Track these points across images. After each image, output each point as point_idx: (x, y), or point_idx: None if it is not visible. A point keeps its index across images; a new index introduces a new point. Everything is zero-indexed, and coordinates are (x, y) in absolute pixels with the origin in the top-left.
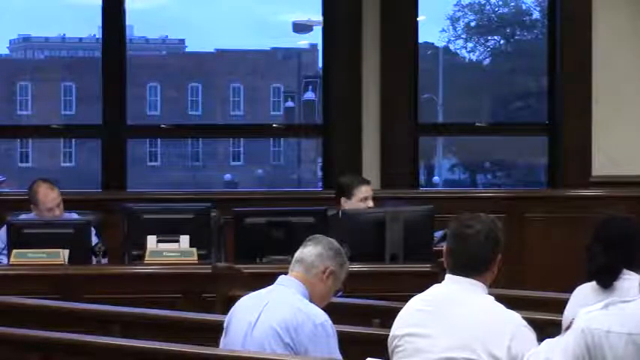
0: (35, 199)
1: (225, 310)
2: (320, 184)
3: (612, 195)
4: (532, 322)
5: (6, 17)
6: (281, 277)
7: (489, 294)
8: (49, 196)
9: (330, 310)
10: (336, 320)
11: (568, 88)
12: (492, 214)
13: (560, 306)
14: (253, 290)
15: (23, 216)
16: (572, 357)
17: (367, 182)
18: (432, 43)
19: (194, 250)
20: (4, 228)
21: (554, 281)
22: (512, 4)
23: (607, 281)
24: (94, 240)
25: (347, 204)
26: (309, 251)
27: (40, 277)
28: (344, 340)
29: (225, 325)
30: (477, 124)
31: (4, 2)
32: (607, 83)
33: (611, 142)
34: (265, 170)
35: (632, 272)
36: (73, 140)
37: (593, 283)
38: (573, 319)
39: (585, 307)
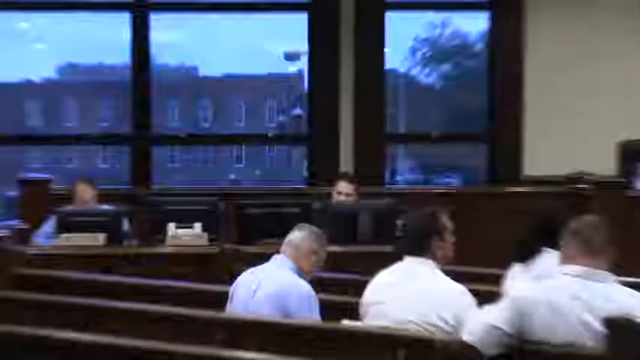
0: (75, 194)
1: (230, 282)
2: (305, 182)
3: (537, 191)
4: (476, 293)
5: (55, 47)
6: (275, 256)
7: (443, 270)
8: (85, 192)
9: (314, 282)
10: (318, 290)
11: (503, 105)
12: (443, 206)
13: (498, 279)
14: (252, 266)
15: (68, 207)
16: (505, 318)
17: (347, 179)
18: (396, 69)
19: (205, 234)
20: (54, 217)
21: (494, 260)
22: (460, 38)
23: (528, 256)
24: (125, 226)
25: (334, 191)
26: (296, 236)
27: (82, 255)
28: (325, 306)
29: (230, 293)
30: (431, 134)
31: (53, 35)
32: (536, 100)
33: (539, 148)
34: (262, 171)
35: (552, 250)
36: (109, 146)
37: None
38: (507, 291)
39: (518, 279)
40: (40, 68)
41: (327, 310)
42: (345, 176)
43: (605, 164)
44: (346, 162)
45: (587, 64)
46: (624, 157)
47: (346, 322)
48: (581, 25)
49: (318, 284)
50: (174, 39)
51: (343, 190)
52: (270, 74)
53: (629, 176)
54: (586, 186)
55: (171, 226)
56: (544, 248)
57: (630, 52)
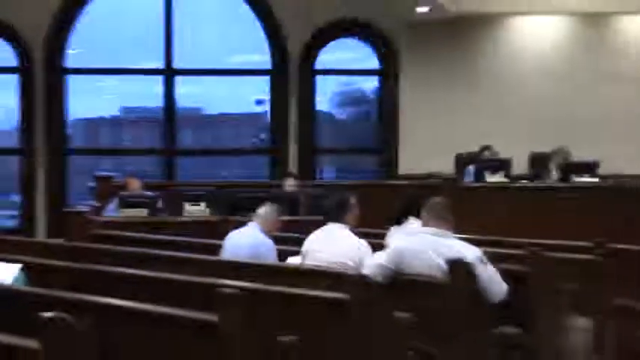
0: (128, 185)
1: (222, 238)
2: (268, 177)
3: (407, 183)
4: (371, 244)
5: (118, 96)
6: (249, 223)
7: (352, 231)
8: (134, 184)
9: (275, 238)
10: (277, 243)
11: (387, 131)
12: (351, 192)
13: (383, 236)
14: (236, 229)
15: (125, 193)
16: (388, 260)
17: (291, 176)
18: (323, 110)
19: (208, 209)
20: (116, 199)
21: (381, 224)
22: (361, 92)
23: (398, 222)
24: (160, 204)
25: (285, 183)
26: (262, 210)
27: (134, 222)
28: (280, 252)
29: (223, 245)
30: (344, 149)
31: (117, 89)
32: (406, 128)
33: (408, 157)
34: (242, 171)
35: (415, 219)
36: (150, 156)
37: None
38: (389, 243)
39: (395, 236)
40: (109, 109)
41: (282, 255)
42: (291, 174)
43: (447, 167)
44: (293, 165)
45: (440, 103)
46: (458, 163)
47: (291, 261)
48: (437, 80)
49: (277, 240)
50: (189, 91)
51: (291, 182)
52: (247, 112)
53: (460, 175)
54: (437, 180)
55: (186, 204)
56: (410, 217)
57: (465, 104)
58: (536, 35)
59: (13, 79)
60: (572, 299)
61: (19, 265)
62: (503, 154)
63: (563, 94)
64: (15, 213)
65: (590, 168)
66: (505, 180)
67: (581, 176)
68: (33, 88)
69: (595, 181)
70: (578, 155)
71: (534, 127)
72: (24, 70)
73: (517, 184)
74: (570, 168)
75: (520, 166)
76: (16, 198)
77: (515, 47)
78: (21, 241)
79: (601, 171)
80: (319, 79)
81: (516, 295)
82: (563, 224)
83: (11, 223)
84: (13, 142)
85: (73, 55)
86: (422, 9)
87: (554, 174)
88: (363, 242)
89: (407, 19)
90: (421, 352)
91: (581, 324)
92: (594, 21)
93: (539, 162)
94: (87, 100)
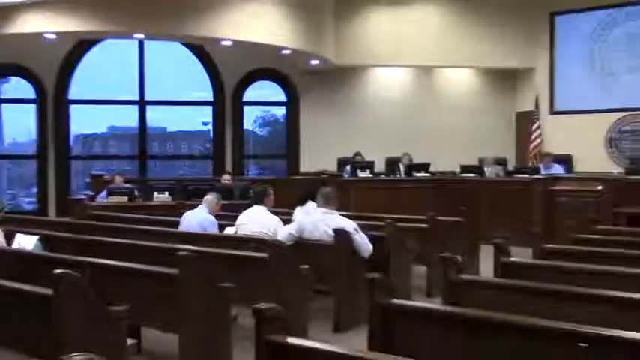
0: (114, 180)
1: (180, 216)
2: (212, 174)
3: (306, 178)
4: (283, 220)
5: (105, 119)
6: (199, 206)
7: (270, 210)
8: (117, 179)
9: (217, 216)
10: (218, 220)
11: (292, 142)
12: (268, 184)
13: (291, 214)
14: (189, 210)
15: (112, 185)
16: (294, 229)
17: (227, 173)
18: (249, 129)
19: (170, 197)
20: (106, 189)
21: (290, 205)
22: (274, 116)
23: (302, 204)
24: (136, 193)
25: (223, 178)
26: (208, 197)
27: (118, 206)
28: (220, 226)
29: (180, 221)
30: (263, 155)
31: (105, 114)
32: (305, 139)
33: (307, 159)
34: (194, 171)
35: (312, 202)
36: (129, 160)
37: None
38: (295, 218)
39: (298, 214)
40: (100, 128)
41: (221, 227)
42: (227, 172)
43: (332, 167)
44: (228, 166)
45: (327, 125)
46: (340, 164)
47: (228, 231)
48: (325, 109)
49: (218, 217)
50: (156, 116)
51: (227, 178)
52: (196, 130)
53: (341, 172)
54: (325, 176)
55: (155, 194)
56: (309, 200)
57: (344, 125)
58: (389, 79)
59: (32, 107)
60: (413, 254)
61: (38, 236)
62: (368, 158)
63: (407, 120)
64: (34, 200)
65: (425, 167)
66: (370, 176)
67: (419, 172)
68: (46, 113)
69: (428, 176)
70: (417, 158)
71: (389, 141)
72: (39, 101)
73: (378, 179)
74: (412, 167)
75: (380, 166)
76: (35, 189)
77: (376, 87)
78: (38, 219)
79: (431, 169)
80: (246, 108)
81: (379, 252)
82: (408, 204)
83: (31, 207)
84: (33, 150)
85: (74, 90)
86: (314, 61)
87: (402, 171)
88: (277, 218)
89: (304, 68)
90: (317, 291)
91: (419, 271)
92: (427, 71)
93: (392, 163)
94: (84, 122)
